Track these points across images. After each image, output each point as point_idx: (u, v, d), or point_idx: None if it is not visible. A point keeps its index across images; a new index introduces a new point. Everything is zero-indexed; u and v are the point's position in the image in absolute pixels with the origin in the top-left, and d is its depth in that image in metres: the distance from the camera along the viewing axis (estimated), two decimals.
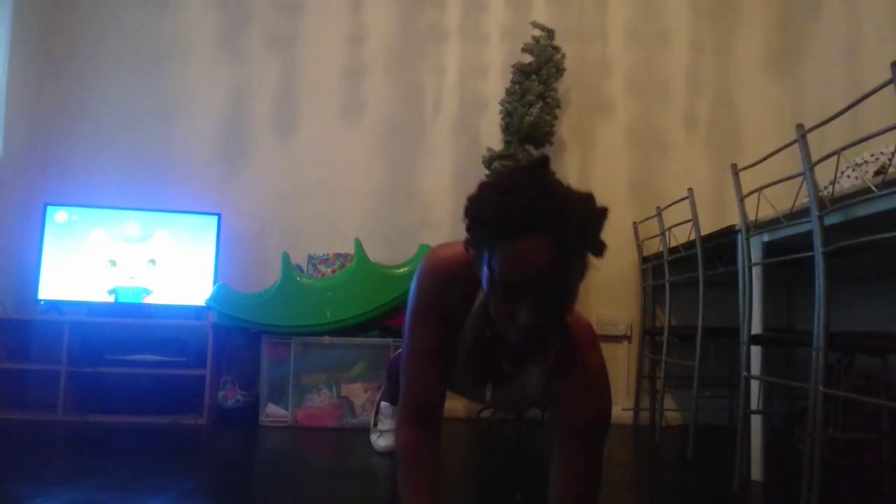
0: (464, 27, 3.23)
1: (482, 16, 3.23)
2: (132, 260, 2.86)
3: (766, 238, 1.93)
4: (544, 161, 0.99)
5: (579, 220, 0.93)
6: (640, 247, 3.05)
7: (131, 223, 2.88)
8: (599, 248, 0.96)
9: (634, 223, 3.08)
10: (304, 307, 2.70)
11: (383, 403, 2.25)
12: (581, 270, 0.96)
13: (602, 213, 0.97)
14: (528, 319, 0.93)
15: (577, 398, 1.10)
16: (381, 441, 2.25)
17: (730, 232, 2.14)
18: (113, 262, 2.84)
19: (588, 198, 0.96)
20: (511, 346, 1.04)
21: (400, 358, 1.94)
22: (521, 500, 1.74)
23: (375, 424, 2.28)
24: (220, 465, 2.19)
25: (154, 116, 3.14)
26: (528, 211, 0.91)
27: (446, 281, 1.14)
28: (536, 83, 2.86)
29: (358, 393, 2.72)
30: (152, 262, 2.86)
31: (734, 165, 2.00)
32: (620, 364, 3.04)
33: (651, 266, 2.97)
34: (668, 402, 2.96)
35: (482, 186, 1.02)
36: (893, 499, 1.80)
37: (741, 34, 3.25)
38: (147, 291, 2.85)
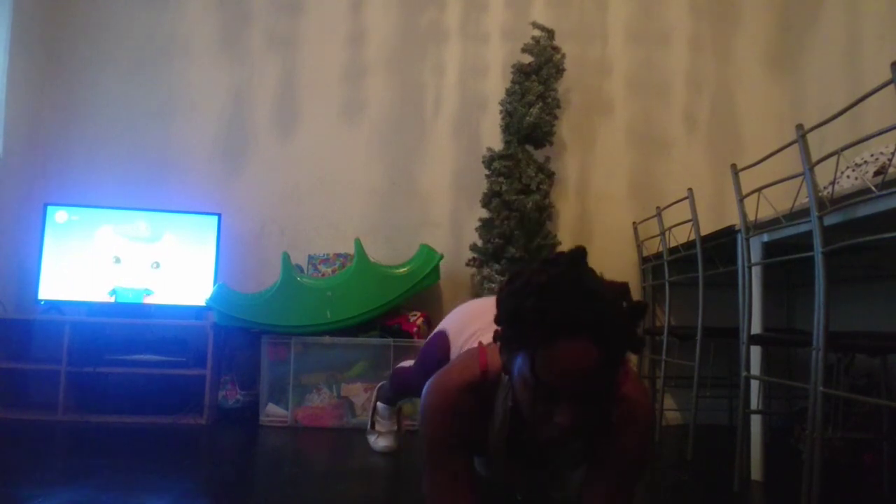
0: (464, 27, 3.23)
1: (482, 16, 3.23)
2: (132, 260, 2.86)
3: (765, 238, 1.93)
4: (581, 255, 0.96)
5: (622, 321, 0.90)
6: (639, 247, 3.05)
7: (131, 223, 2.88)
8: (640, 346, 0.93)
9: (634, 223, 3.08)
10: (304, 307, 2.70)
11: (379, 405, 2.24)
12: (618, 369, 0.93)
13: (641, 309, 0.93)
14: (567, 422, 0.90)
15: (617, 428, 1.06)
16: (379, 441, 2.24)
17: (729, 232, 2.14)
18: (117, 259, 2.84)
19: (624, 291, 0.93)
20: (543, 446, 1.02)
21: (407, 372, 1.92)
22: (521, 500, 1.74)
23: (373, 426, 2.28)
24: (220, 465, 2.19)
25: (154, 116, 3.14)
26: (572, 315, 0.87)
27: (456, 412, 1.10)
28: (536, 83, 2.86)
29: (358, 393, 2.72)
30: (156, 264, 2.86)
31: (734, 165, 2.00)
32: None
33: (651, 266, 2.97)
34: (668, 402, 2.96)
35: (515, 280, 0.96)
36: (893, 499, 1.80)
37: (741, 34, 3.25)
38: (148, 292, 2.85)
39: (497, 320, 0.98)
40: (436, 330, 1.61)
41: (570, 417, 0.90)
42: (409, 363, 1.95)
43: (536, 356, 0.90)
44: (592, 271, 0.96)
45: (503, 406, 1.11)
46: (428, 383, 1.15)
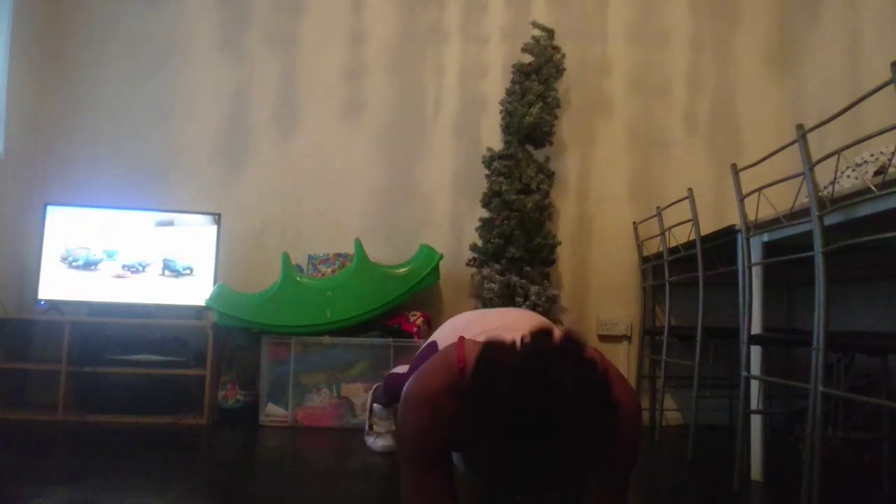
0: (464, 27, 3.23)
1: (482, 16, 3.23)
2: (132, 260, 2.85)
3: (765, 238, 1.93)
4: (554, 395, 0.84)
5: (587, 464, 0.87)
6: (640, 247, 3.05)
7: (131, 223, 2.88)
8: (607, 442, 0.88)
9: (634, 223, 3.08)
10: (304, 307, 2.70)
11: (376, 406, 2.25)
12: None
13: (607, 430, 0.87)
14: (532, 499, 0.89)
15: None
16: (378, 442, 2.25)
17: (730, 232, 2.14)
18: (118, 259, 2.84)
19: (595, 411, 0.85)
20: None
21: (401, 378, 1.90)
22: (521, 501, 1.74)
23: (370, 427, 2.28)
24: (220, 465, 2.19)
25: (154, 116, 3.14)
26: (532, 476, 0.84)
27: (435, 417, 1.04)
28: (536, 83, 2.86)
29: (358, 393, 2.72)
30: (153, 262, 2.86)
31: (734, 165, 2.00)
32: (620, 364, 3.04)
33: (651, 266, 2.97)
34: (668, 402, 2.97)
35: (480, 408, 0.88)
36: (893, 499, 1.80)
37: (741, 34, 3.25)
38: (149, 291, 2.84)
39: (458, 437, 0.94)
40: (428, 340, 1.61)
41: (535, 495, 0.90)
42: (402, 369, 1.94)
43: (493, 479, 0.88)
44: (563, 383, 0.84)
45: None
46: (406, 387, 1.11)
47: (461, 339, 1.15)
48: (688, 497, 1.91)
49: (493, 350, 0.93)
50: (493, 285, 2.70)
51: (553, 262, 2.92)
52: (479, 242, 2.86)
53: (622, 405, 1.07)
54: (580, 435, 0.84)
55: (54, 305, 2.79)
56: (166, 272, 2.87)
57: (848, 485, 1.97)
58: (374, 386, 2.28)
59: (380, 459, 2.18)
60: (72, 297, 2.80)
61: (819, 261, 1.55)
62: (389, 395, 2.04)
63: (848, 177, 1.74)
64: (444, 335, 1.53)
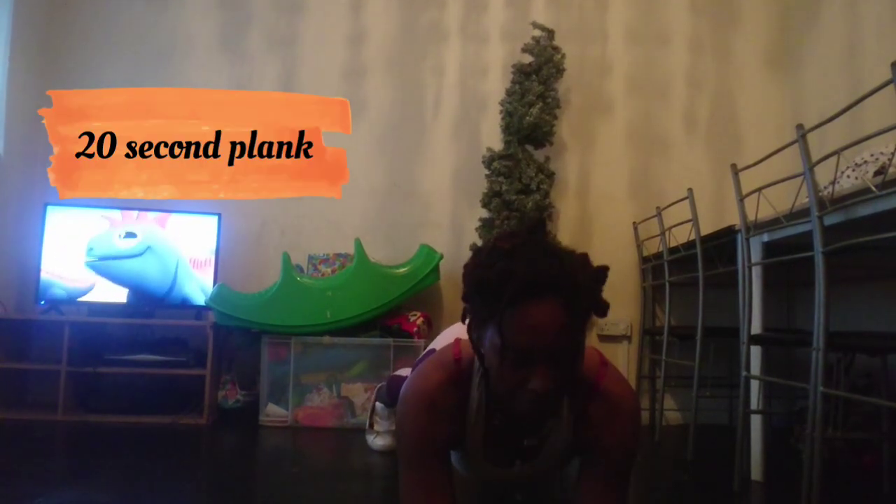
0: (464, 27, 3.23)
1: (482, 16, 3.23)
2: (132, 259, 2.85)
3: (765, 238, 1.93)
4: (541, 223, 1.03)
5: (586, 282, 0.95)
6: (640, 247, 3.05)
7: (131, 223, 2.88)
8: (604, 309, 0.97)
9: (634, 223, 3.08)
10: (304, 307, 2.70)
11: (378, 404, 2.25)
12: (585, 331, 0.97)
13: (603, 273, 0.98)
14: (541, 386, 0.92)
15: (603, 424, 1.07)
16: (378, 441, 2.25)
17: (730, 232, 2.14)
18: (112, 257, 2.84)
19: (584, 259, 0.98)
20: (519, 419, 1.03)
21: (402, 381, 1.92)
22: (521, 500, 1.74)
23: (371, 426, 2.28)
24: (220, 465, 2.19)
25: None
26: (537, 275, 0.91)
27: (433, 412, 1.07)
28: (536, 83, 2.86)
29: (358, 393, 2.72)
30: (150, 260, 2.86)
31: (734, 165, 2.00)
32: (620, 364, 3.04)
33: (651, 266, 2.97)
34: (668, 402, 2.96)
35: (480, 252, 1.01)
36: (893, 499, 1.80)
37: (741, 34, 3.25)
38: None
39: (464, 297, 1.00)
40: (427, 348, 1.61)
41: (543, 381, 0.92)
42: (405, 371, 1.95)
43: (505, 320, 0.91)
44: (555, 241, 1.01)
45: (479, 390, 1.09)
46: (404, 387, 1.12)
47: (457, 340, 1.16)
48: (688, 497, 1.91)
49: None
50: None
51: None
52: (479, 242, 2.86)
53: (621, 403, 1.08)
54: (574, 255, 0.98)
55: (54, 305, 2.78)
56: (165, 271, 2.86)
57: (848, 485, 1.97)
58: (378, 385, 2.28)
59: (379, 459, 2.18)
60: (72, 297, 2.79)
61: (819, 261, 1.55)
62: (392, 396, 2.04)
63: (848, 177, 1.74)
64: (443, 341, 1.53)
